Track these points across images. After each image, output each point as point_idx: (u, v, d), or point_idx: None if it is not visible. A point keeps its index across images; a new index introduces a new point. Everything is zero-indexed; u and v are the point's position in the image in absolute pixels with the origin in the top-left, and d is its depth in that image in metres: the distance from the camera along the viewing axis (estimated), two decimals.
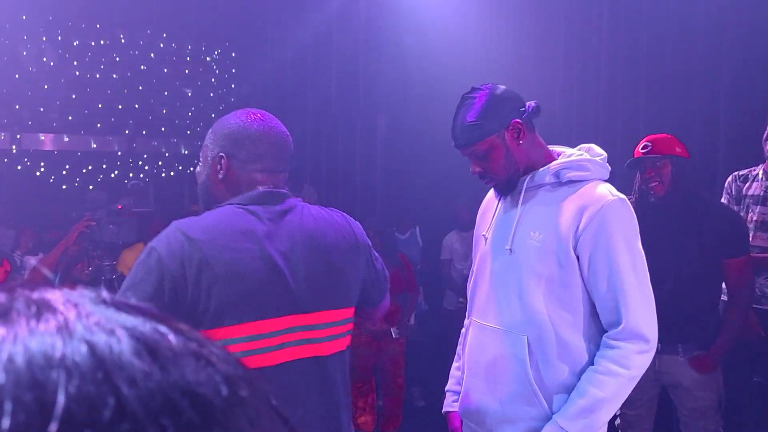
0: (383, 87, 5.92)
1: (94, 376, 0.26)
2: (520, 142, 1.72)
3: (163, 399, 0.27)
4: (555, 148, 1.83)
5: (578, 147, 1.82)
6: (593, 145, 1.82)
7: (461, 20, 5.25)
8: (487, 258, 1.82)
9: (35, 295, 0.30)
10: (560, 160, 1.75)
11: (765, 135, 3.16)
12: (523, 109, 1.74)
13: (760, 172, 3.23)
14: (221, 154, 1.47)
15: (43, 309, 0.29)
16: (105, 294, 0.32)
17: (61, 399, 0.25)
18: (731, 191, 3.30)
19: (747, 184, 3.25)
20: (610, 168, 1.78)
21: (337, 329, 1.49)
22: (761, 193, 3.18)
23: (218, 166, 1.48)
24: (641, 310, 1.62)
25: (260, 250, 1.38)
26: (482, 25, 5.16)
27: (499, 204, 1.84)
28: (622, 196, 1.68)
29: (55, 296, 0.30)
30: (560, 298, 1.67)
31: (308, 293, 1.43)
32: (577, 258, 1.65)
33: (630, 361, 1.60)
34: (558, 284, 1.66)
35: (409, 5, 5.52)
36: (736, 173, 3.32)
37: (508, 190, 1.78)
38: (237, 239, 1.37)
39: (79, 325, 0.28)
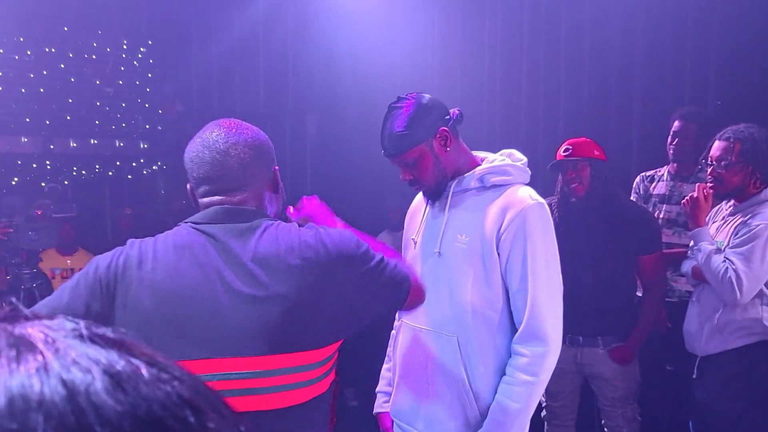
0: (312, 86, 5.90)
1: (70, 419, 0.27)
2: (447, 149, 1.78)
3: None
4: (479, 154, 1.90)
5: (500, 152, 1.89)
6: (514, 151, 1.89)
7: (390, 21, 5.30)
8: (416, 261, 1.86)
9: (16, 330, 0.31)
10: (484, 165, 1.82)
11: (668, 138, 3.37)
12: (448, 117, 1.79)
13: (665, 172, 3.44)
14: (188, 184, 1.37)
15: (22, 348, 0.30)
16: (82, 326, 0.32)
17: None
18: (639, 191, 3.51)
19: (653, 184, 3.46)
20: (530, 172, 1.86)
21: (295, 377, 1.23)
22: (666, 193, 3.39)
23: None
24: (545, 312, 1.68)
25: (201, 276, 1.21)
26: (411, 27, 5.23)
27: (427, 208, 1.89)
28: (542, 200, 1.75)
29: (35, 331, 0.31)
30: (487, 299, 1.73)
31: (257, 333, 1.20)
32: (499, 257, 1.72)
33: (538, 367, 1.68)
34: (485, 285, 1.72)
35: (338, 5, 5.52)
36: (643, 174, 3.53)
37: (436, 195, 1.84)
38: (177, 260, 1.22)
39: (56, 363, 0.29)
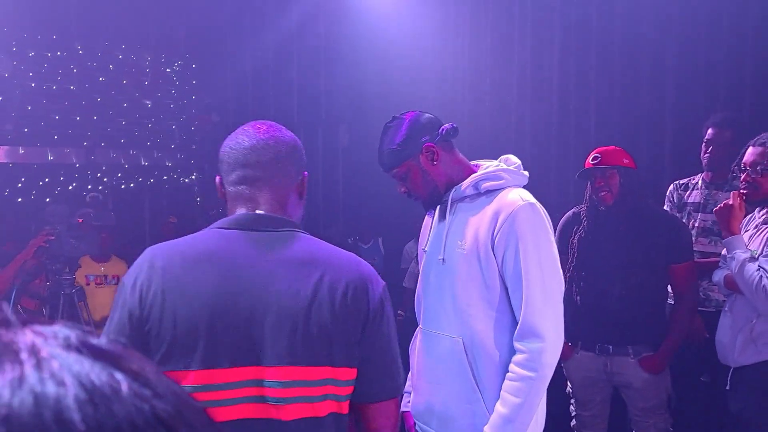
0: (344, 98, 5.97)
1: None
2: (434, 162, 1.88)
3: None
4: (478, 162, 1.98)
5: (499, 158, 1.98)
6: (510, 156, 1.98)
7: (420, 31, 5.35)
8: (426, 270, 1.98)
9: (6, 336, 0.31)
10: (479, 172, 1.91)
11: (702, 147, 3.32)
12: (437, 132, 1.89)
13: (700, 180, 3.38)
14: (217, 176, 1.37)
15: (4, 356, 0.29)
16: (74, 336, 0.32)
17: None
18: (673, 199, 3.45)
19: (687, 192, 3.40)
20: (527, 174, 1.93)
21: (308, 390, 1.21)
22: (701, 201, 3.32)
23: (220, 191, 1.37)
24: (540, 308, 1.73)
25: (224, 285, 1.21)
26: (440, 37, 5.26)
27: (434, 219, 1.99)
28: (533, 201, 1.81)
29: (25, 339, 0.31)
30: (488, 300, 1.80)
31: (276, 343, 1.19)
32: (495, 259, 1.79)
33: (536, 363, 1.72)
34: (484, 287, 1.80)
35: (368, 17, 5.59)
36: (677, 182, 3.48)
37: (432, 205, 1.96)
38: (200, 269, 1.21)
39: (32, 374, 0.29)
